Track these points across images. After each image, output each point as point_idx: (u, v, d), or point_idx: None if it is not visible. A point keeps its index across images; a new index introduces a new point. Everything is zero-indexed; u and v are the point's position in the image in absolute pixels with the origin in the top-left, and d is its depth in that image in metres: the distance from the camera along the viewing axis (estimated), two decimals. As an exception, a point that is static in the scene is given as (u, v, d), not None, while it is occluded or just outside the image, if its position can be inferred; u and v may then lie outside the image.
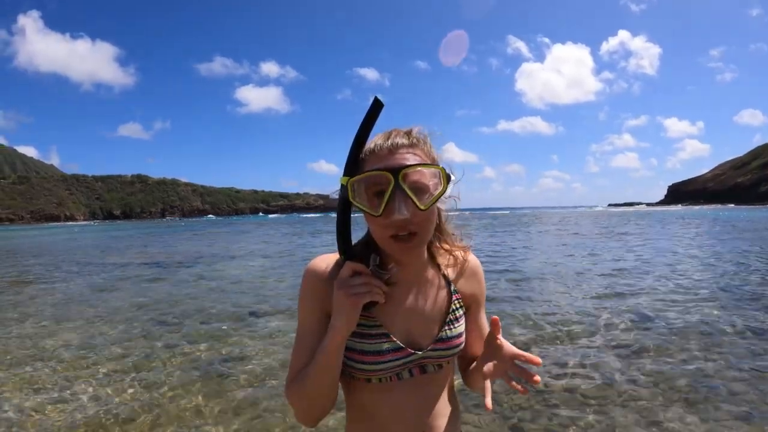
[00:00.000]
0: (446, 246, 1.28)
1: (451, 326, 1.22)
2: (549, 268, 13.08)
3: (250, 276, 12.66)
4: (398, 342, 1.16)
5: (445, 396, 1.25)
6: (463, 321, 1.26)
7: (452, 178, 1.11)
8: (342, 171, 1.11)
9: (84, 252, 21.50)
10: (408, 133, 1.11)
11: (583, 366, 5.11)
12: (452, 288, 1.27)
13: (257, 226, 54.11)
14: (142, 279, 12.37)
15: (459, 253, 1.29)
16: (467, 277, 1.31)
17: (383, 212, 1.04)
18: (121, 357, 5.63)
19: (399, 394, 1.17)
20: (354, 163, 1.09)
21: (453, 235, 1.27)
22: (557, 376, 4.79)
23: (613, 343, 5.90)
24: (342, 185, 1.09)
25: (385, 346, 1.14)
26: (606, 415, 3.92)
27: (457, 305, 1.25)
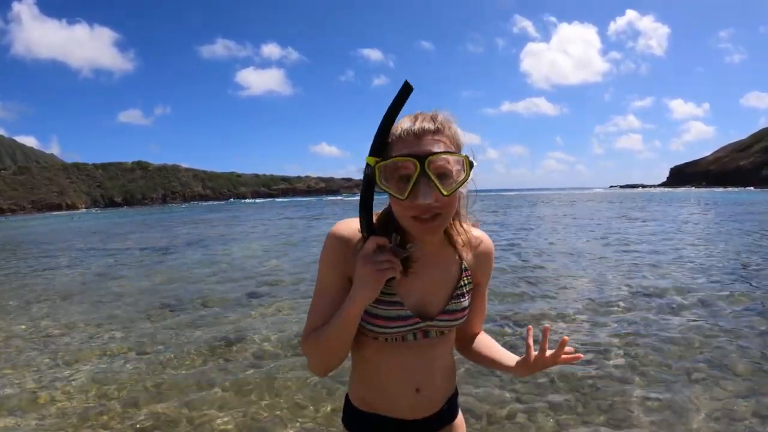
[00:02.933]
0: (463, 225, 1.35)
1: (458, 300, 1.32)
2: (549, 247, 13.07)
3: (250, 258, 12.72)
4: (408, 311, 1.26)
5: (443, 359, 1.37)
6: (469, 297, 1.36)
7: (474, 164, 1.17)
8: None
9: (85, 239, 21.54)
10: (434, 119, 1.16)
11: (584, 344, 5.12)
12: (463, 265, 1.35)
13: (258, 209, 54.19)
14: (143, 263, 12.41)
15: (474, 233, 1.39)
16: (479, 256, 1.40)
17: (408, 196, 1.11)
18: (124, 340, 5.65)
19: (401, 355, 1.30)
20: (381, 145, 1.14)
21: (468, 215, 1.36)
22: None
23: (614, 322, 5.90)
24: (368, 164, 1.14)
25: (396, 313, 1.25)
26: (604, 392, 3.94)
27: (466, 281, 1.34)
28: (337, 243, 1.24)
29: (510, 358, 1.45)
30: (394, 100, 1.10)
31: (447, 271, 1.33)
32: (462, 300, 1.34)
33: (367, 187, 1.15)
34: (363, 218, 1.17)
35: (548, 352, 1.33)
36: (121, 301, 7.72)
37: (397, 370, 1.31)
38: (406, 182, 1.11)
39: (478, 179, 1.21)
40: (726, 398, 3.72)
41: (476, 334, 1.54)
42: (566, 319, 6.03)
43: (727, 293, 7.04)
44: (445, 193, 1.11)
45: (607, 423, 3.52)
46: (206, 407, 3.89)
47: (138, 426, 3.61)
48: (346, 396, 1.47)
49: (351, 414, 1.42)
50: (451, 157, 1.13)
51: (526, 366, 1.37)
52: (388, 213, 1.24)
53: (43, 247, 18.35)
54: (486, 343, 1.53)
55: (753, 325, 5.49)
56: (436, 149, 1.12)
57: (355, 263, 1.17)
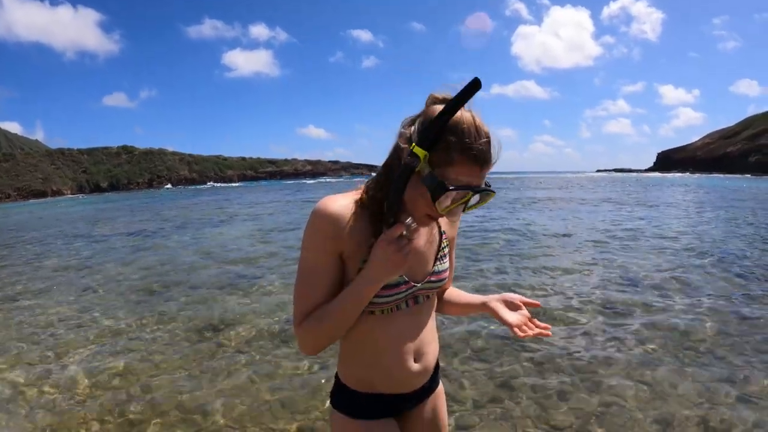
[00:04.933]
0: None
1: (440, 262, 1.41)
2: (538, 229, 13.15)
3: (237, 240, 12.72)
4: (404, 276, 1.30)
5: (430, 323, 1.45)
6: (447, 258, 1.45)
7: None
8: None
9: (72, 225, 21.32)
10: (493, 151, 1.15)
11: (572, 327, 5.18)
12: (441, 229, 1.44)
13: (244, 192, 53.88)
14: (130, 248, 12.34)
15: None
16: (450, 221, 1.48)
17: (445, 212, 1.14)
18: (112, 327, 5.64)
19: (399, 323, 1.34)
20: (435, 139, 1.09)
21: None
22: (542, 340, 4.83)
23: (600, 303, 5.98)
24: (414, 154, 1.10)
25: (395, 280, 1.28)
26: (593, 374, 4.01)
27: (444, 244, 1.43)
28: (328, 220, 1.20)
29: (477, 299, 1.57)
30: (460, 95, 1.05)
31: (430, 237, 1.39)
32: (445, 260, 1.43)
33: (407, 177, 1.12)
34: (394, 205, 1.16)
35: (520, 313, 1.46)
36: (109, 288, 7.68)
37: (396, 341, 1.34)
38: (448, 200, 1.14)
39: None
40: (708, 381, 3.79)
41: (446, 289, 1.64)
42: (545, 295, 6.10)
43: (713, 278, 7.16)
44: (465, 211, 1.18)
45: (592, 406, 3.58)
46: (197, 393, 3.90)
47: (129, 414, 3.62)
48: (336, 378, 1.47)
49: (345, 396, 1.43)
50: (488, 193, 1.17)
51: (493, 311, 1.48)
52: (391, 197, 1.20)
53: (28, 235, 18.14)
54: (454, 293, 1.64)
55: (737, 309, 5.59)
56: (485, 180, 1.16)
57: (348, 239, 1.20)
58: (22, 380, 4.32)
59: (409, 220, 1.18)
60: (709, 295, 6.06)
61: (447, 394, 1.64)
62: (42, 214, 35.41)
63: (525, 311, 1.48)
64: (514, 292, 1.56)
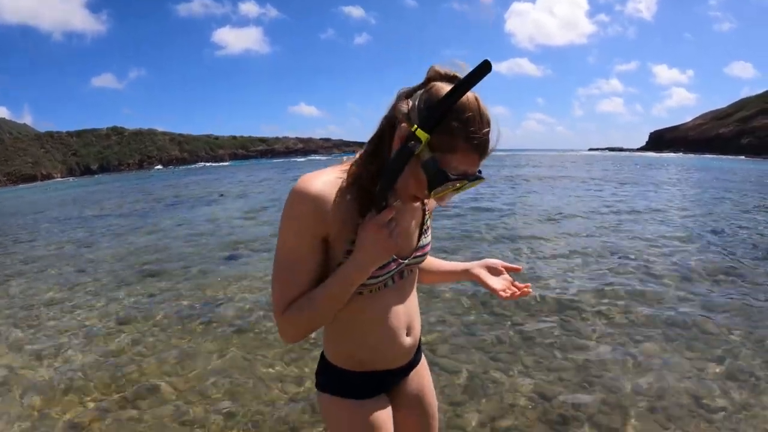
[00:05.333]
0: None
1: (425, 235, 1.39)
2: (527, 207, 13.19)
3: (226, 218, 12.72)
4: (393, 255, 1.26)
5: (413, 296, 1.43)
6: (430, 231, 1.43)
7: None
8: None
9: (62, 209, 21.17)
10: (492, 140, 1.11)
11: (562, 300, 5.23)
12: (423, 203, 1.38)
13: (235, 171, 53.54)
14: (121, 229, 12.28)
15: None
16: (438, 204, 1.42)
17: (437, 196, 1.10)
18: (104, 308, 5.65)
19: (387, 299, 1.31)
20: (438, 122, 1.05)
21: None
22: (533, 315, 4.90)
23: (588, 280, 6.03)
24: (415, 136, 1.05)
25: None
26: (583, 351, 4.05)
27: (427, 216, 1.40)
28: (310, 200, 1.12)
29: (459, 266, 1.60)
30: (469, 77, 1.00)
31: (414, 211, 1.36)
32: (428, 234, 1.41)
33: (405, 159, 1.07)
34: (388, 187, 1.11)
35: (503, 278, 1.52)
36: (101, 269, 7.66)
37: (386, 318, 1.32)
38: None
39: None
40: (696, 358, 3.85)
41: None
42: (539, 273, 6.16)
43: (702, 256, 7.25)
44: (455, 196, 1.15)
45: (580, 378, 3.64)
46: (190, 373, 3.93)
47: (124, 395, 3.65)
48: (322, 358, 1.44)
49: (334, 376, 1.39)
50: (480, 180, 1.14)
51: (476, 277, 1.53)
52: (378, 178, 1.14)
53: (19, 220, 18.02)
54: (435, 262, 1.65)
55: (725, 289, 5.67)
56: (481, 170, 1.14)
57: (333, 220, 1.13)
58: (15, 363, 4.33)
59: (397, 203, 1.15)
60: (702, 273, 6.13)
61: (436, 365, 1.66)
62: (32, 199, 35.14)
63: (507, 276, 1.53)
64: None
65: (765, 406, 3.18)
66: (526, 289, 1.45)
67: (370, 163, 1.15)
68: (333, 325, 1.35)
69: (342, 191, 1.14)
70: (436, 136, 1.05)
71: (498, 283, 1.49)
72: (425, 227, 1.40)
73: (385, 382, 1.43)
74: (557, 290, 5.36)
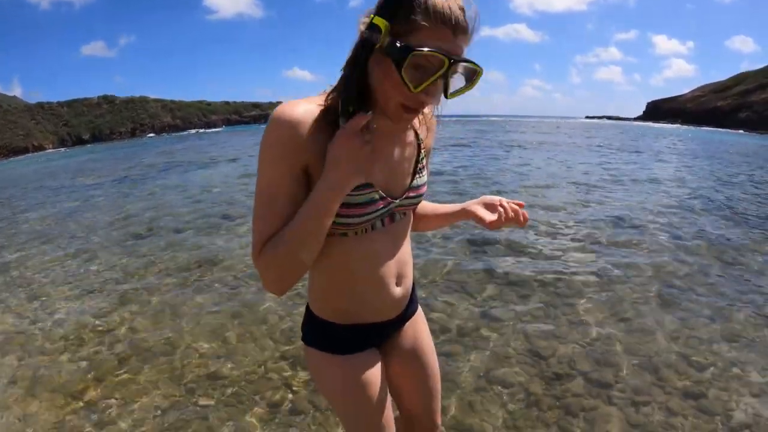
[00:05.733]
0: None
1: (419, 175, 1.28)
2: (529, 169, 13.13)
3: (220, 182, 12.72)
4: (380, 192, 1.16)
5: (407, 243, 1.33)
6: (426, 171, 1.32)
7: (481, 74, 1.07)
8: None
9: (54, 178, 20.97)
10: (470, 17, 1.00)
11: (556, 260, 5.23)
12: (419, 138, 1.29)
13: (227, 136, 53.08)
14: (113, 195, 12.21)
15: (426, 109, 1.25)
16: (428, 130, 1.34)
17: (419, 90, 0.99)
18: (99, 273, 5.62)
19: (375, 244, 1.21)
20: (396, 8, 0.96)
21: None
22: (526, 266, 4.90)
23: (584, 238, 6.03)
24: (374, 25, 0.97)
25: (368, 197, 1.13)
26: (574, 308, 4.07)
27: (423, 155, 1.29)
28: (288, 126, 1.02)
29: (456, 206, 1.47)
30: None
31: (407, 147, 1.25)
32: (423, 174, 1.31)
33: (366, 53, 0.99)
34: (353, 88, 1.01)
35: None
36: (94, 234, 7.61)
37: (374, 264, 1.22)
38: (422, 73, 0.98)
39: (454, 102, 1.10)
40: (690, 319, 3.85)
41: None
42: (533, 231, 6.15)
43: (695, 222, 7.26)
44: (449, 96, 1.04)
45: (574, 337, 3.65)
46: (184, 334, 3.93)
47: (118, 353, 3.65)
48: (308, 311, 1.36)
49: (320, 330, 1.32)
50: (471, 66, 1.03)
51: (472, 213, 1.40)
52: (357, 82, 1.03)
53: (12, 191, 17.87)
54: (429, 206, 1.55)
55: (720, 251, 5.67)
56: (464, 51, 1.02)
57: (312, 149, 1.03)
58: (12, 328, 4.32)
59: (370, 112, 1.02)
60: (695, 235, 6.13)
61: (429, 321, 1.61)
62: (24, 171, 34.83)
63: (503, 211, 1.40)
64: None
65: (753, 364, 3.21)
66: (519, 215, 1.34)
67: (347, 87, 1.03)
68: (317, 272, 1.26)
69: (320, 121, 1.04)
70: (397, 23, 0.97)
71: (491, 216, 1.37)
72: (420, 166, 1.29)
73: (374, 336, 1.35)
74: (550, 245, 5.36)
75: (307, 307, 1.37)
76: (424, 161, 1.32)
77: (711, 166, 14.74)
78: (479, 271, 4.84)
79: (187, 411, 2.92)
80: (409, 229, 1.36)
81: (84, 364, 3.56)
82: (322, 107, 1.05)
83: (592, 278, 4.62)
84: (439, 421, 1.58)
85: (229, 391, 3.12)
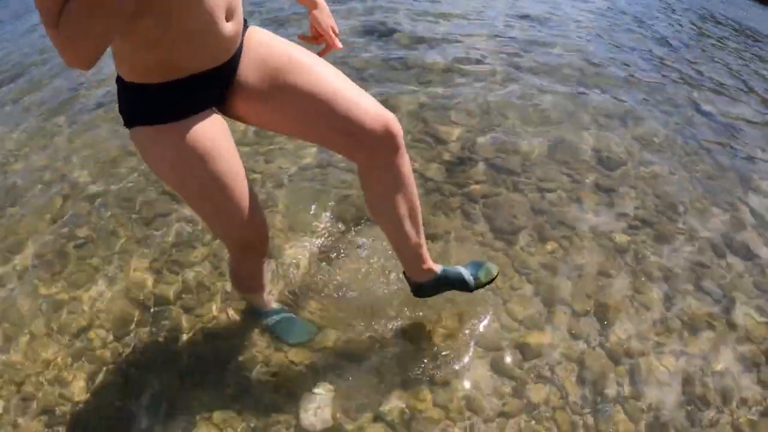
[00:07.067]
0: None
1: None
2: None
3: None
4: None
5: None
6: None
7: None
8: None
9: None
10: None
11: (457, 43, 4.58)
12: None
13: None
14: None
15: None
16: None
17: None
18: None
19: None
20: None
21: None
22: (426, 53, 4.20)
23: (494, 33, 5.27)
24: None
25: None
26: (478, 93, 3.63)
27: None
28: None
29: None
30: None
31: None
32: None
33: None
34: None
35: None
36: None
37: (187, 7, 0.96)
38: None
39: None
40: (598, 114, 3.42)
41: None
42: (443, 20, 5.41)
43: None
44: None
45: (482, 126, 3.26)
46: (56, 160, 3.16)
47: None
48: (118, 81, 1.12)
49: (137, 99, 1.09)
50: None
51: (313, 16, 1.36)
52: None
53: None
54: None
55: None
56: None
57: None
58: None
59: None
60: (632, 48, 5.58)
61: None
62: None
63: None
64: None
65: (661, 164, 2.99)
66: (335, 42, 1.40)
67: None
68: (121, 49, 1.02)
69: None
70: None
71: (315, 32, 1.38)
72: None
73: (203, 93, 1.12)
74: (458, 36, 4.68)
75: (117, 80, 1.13)
76: None
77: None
78: (377, 57, 4.17)
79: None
80: None
81: None
82: None
83: (500, 65, 4.05)
84: (388, 117, 1.28)
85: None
